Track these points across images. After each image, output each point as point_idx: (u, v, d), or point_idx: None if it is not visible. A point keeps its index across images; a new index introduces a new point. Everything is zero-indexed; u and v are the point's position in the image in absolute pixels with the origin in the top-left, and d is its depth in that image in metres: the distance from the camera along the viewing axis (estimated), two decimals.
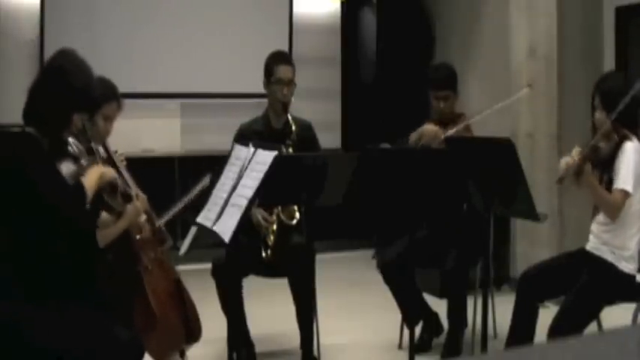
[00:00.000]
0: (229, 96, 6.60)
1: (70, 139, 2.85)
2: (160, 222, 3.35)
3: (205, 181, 3.40)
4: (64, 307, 2.66)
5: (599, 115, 3.41)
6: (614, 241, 3.41)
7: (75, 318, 2.65)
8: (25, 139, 2.68)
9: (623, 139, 3.33)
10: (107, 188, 2.85)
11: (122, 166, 3.29)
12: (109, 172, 2.88)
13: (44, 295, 2.63)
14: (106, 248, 3.01)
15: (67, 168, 2.77)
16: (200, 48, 6.50)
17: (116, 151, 3.32)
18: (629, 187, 3.28)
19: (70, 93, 2.74)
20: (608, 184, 3.36)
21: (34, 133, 2.68)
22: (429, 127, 4.08)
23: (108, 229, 2.98)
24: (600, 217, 3.48)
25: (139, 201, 3.11)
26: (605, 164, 3.36)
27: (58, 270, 2.70)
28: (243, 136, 3.78)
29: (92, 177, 2.76)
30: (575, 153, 3.30)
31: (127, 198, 3.01)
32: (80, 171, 2.79)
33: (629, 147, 3.32)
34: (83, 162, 2.83)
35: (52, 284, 2.67)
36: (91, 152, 3.08)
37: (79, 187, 2.69)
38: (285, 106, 3.98)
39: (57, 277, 2.69)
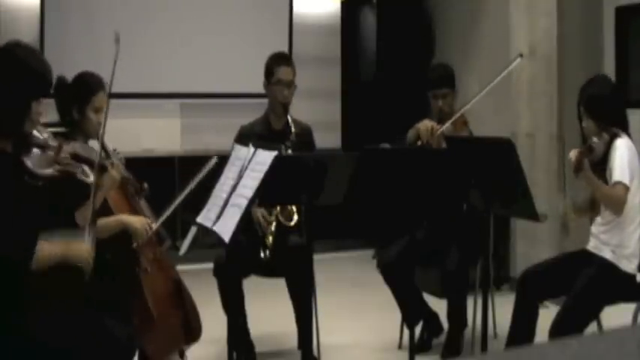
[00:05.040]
0: (229, 96, 6.60)
1: (35, 132, 2.71)
2: (171, 209, 3.31)
3: (212, 162, 3.36)
4: (62, 307, 2.66)
5: (586, 123, 3.42)
6: (613, 240, 3.41)
7: (73, 317, 2.65)
8: None
9: (614, 137, 3.34)
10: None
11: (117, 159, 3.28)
12: (86, 252, 2.74)
13: (43, 295, 2.63)
14: (104, 248, 3.01)
15: (33, 159, 2.66)
16: (200, 48, 6.49)
17: (115, 149, 3.32)
18: (626, 180, 3.28)
19: (22, 78, 2.63)
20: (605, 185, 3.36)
21: None
22: (424, 123, 4.10)
23: (86, 204, 2.88)
24: (599, 218, 3.49)
25: (114, 168, 3.08)
26: (599, 164, 3.36)
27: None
28: (244, 138, 3.78)
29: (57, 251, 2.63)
30: (574, 153, 3.33)
31: (101, 168, 2.97)
32: (51, 158, 2.70)
33: (621, 143, 3.33)
34: (51, 148, 2.71)
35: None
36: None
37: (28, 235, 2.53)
38: (285, 108, 3.99)
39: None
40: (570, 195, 3.44)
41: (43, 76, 2.70)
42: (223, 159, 3.28)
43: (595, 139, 3.32)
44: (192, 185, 3.30)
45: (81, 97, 3.23)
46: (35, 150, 2.69)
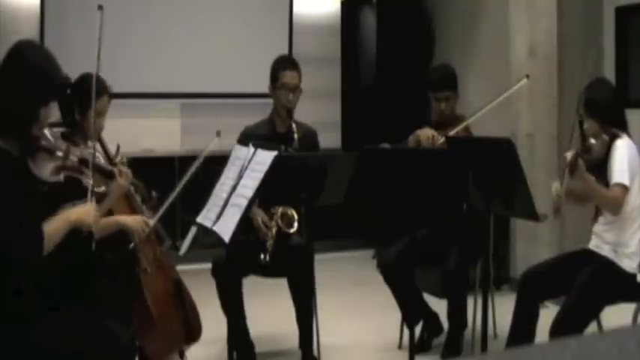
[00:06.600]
0: (229, 96, 6.60)
1: (45, 132, 2.66)
2: (166, 204, 3.30)
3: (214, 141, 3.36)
4: (62, 307, 2.66)
5: (588, 124, 3.42)
6: (614, 239, 3.42)
7: (73, 318, 2.65)
8: None
9: (614, 137, 3.34)
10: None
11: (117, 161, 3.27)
12: (88, 214, 2.64)
13: (42, 296, 2.63)
14: (104, 248, 3.01)
15: (44, 168, 2.61)
16: (200, 48, 6.49)
17: (118, 148, 3.30)
18: (626, 181, 3.28)
19: (32, 82, 2.58)
20: (606, 186, 3.36)
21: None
22: (425, 132, 4.07)
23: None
24: (601, 218, 3.49)
25: (123, 176, 3.06)
26: (599, 167, 3.36)
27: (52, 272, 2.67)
28: (248, 138, 3.77)
29: (61, 223, 2.55)
30: (570, 154, 3.32)
31: (109, 175, 2.94)
32: (58, 164, 2.64)
33: (621, 144, 3.33)
34: (59, 154, 2.65)
35: (49, 285, 2.67)
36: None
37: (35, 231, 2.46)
38: (289, 112, 3.98)
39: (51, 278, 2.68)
40: (567, 182, 3.41)
41: (54, 82, 2.66)
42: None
43: (592, 140, 3.32)
44: (194, 168, 3.31)
45: (84, 99, 3.19)
46: (42, 157, 2.62)
